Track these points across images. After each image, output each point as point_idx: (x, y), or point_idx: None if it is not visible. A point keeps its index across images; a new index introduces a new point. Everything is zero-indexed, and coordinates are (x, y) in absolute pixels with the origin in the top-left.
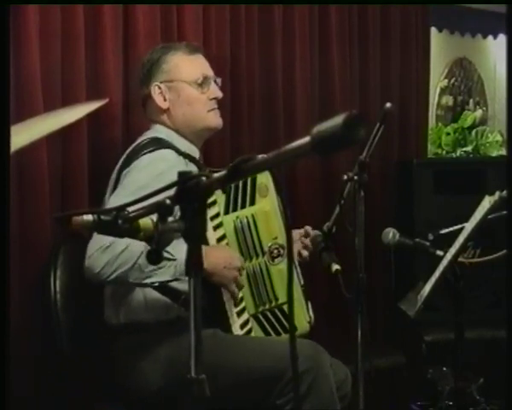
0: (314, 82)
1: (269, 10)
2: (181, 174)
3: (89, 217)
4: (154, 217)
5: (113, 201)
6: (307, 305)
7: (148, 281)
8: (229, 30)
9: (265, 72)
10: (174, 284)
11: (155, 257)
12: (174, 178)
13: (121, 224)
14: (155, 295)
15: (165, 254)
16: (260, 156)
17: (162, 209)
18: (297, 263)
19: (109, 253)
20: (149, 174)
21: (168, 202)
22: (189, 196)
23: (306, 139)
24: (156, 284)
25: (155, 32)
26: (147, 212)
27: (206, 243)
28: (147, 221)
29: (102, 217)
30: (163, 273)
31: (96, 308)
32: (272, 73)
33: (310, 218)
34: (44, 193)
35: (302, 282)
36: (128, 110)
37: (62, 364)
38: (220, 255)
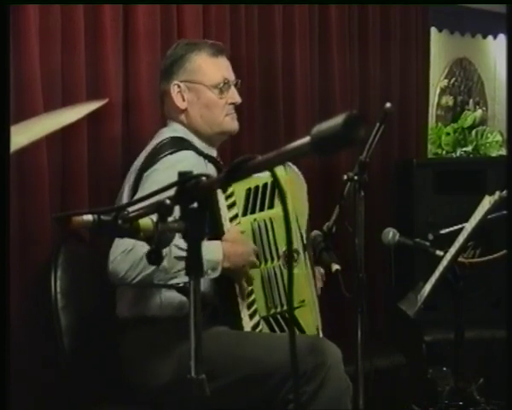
0: (314, 82)
1: (269, 10)
2: (181, 174)
3: (89, 217)
4: (154, 217)
5: None
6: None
7: (173, 282)
8: (229, 30)
9: (265, 72)
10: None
11: (155, 257)
12: None
13: (121, 224)
14: (171, 292)
15: (183, 253)
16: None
17: (162, 209)
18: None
19: (132, 256)
20: (170, 178)
21: (168, 202)
22: (189, 196)
23: (306, 139)
24: (181, 285)
25: (155, 32)
26: (147, 212)
27: (217, 237)
28: (147, 221)
29: (102, 217)
30: None
31: (96, 308)
32: (272, 73)
33: (310, 218)
34: (44, 193)
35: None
36: (128, 110)
37: (62, 364)
38: (240, 252)
